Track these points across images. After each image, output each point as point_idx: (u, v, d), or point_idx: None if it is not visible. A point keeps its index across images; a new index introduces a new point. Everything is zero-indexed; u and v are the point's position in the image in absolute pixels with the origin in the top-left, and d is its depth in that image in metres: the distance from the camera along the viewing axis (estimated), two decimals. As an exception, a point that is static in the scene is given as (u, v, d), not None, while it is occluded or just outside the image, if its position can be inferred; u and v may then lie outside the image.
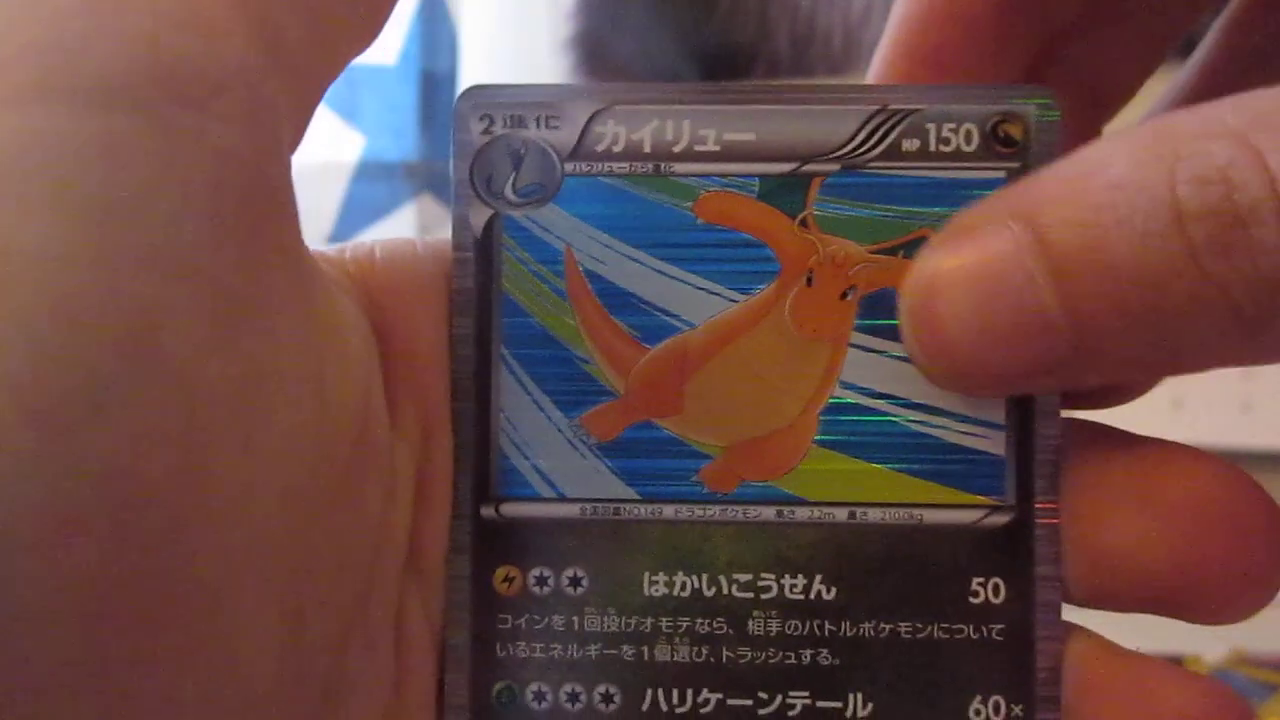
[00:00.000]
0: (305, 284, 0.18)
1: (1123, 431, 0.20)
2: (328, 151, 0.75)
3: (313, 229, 0.24)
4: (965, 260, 0.18)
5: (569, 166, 0.21)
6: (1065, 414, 0.20)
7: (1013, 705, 0.20)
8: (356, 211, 0.77)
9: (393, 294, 0.21)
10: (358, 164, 0.75)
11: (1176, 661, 0.49)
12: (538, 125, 0.21)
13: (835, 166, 0.20)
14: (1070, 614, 0.20)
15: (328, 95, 0.19)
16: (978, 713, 0.20)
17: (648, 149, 0.21)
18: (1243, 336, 0.16)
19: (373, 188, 0.76)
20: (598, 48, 0.79)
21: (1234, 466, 0.19)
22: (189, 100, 0.16)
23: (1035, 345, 0.17)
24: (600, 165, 0.21)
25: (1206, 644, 0.50)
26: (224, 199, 0.16)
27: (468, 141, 0.21)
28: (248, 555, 0.17)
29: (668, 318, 0.21)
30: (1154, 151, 0.16)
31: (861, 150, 0.20)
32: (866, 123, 0.20)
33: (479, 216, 0.21)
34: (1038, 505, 0.20)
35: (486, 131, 0.21)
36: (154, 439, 0.15)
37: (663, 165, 0.21)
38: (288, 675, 0.18)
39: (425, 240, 0.22)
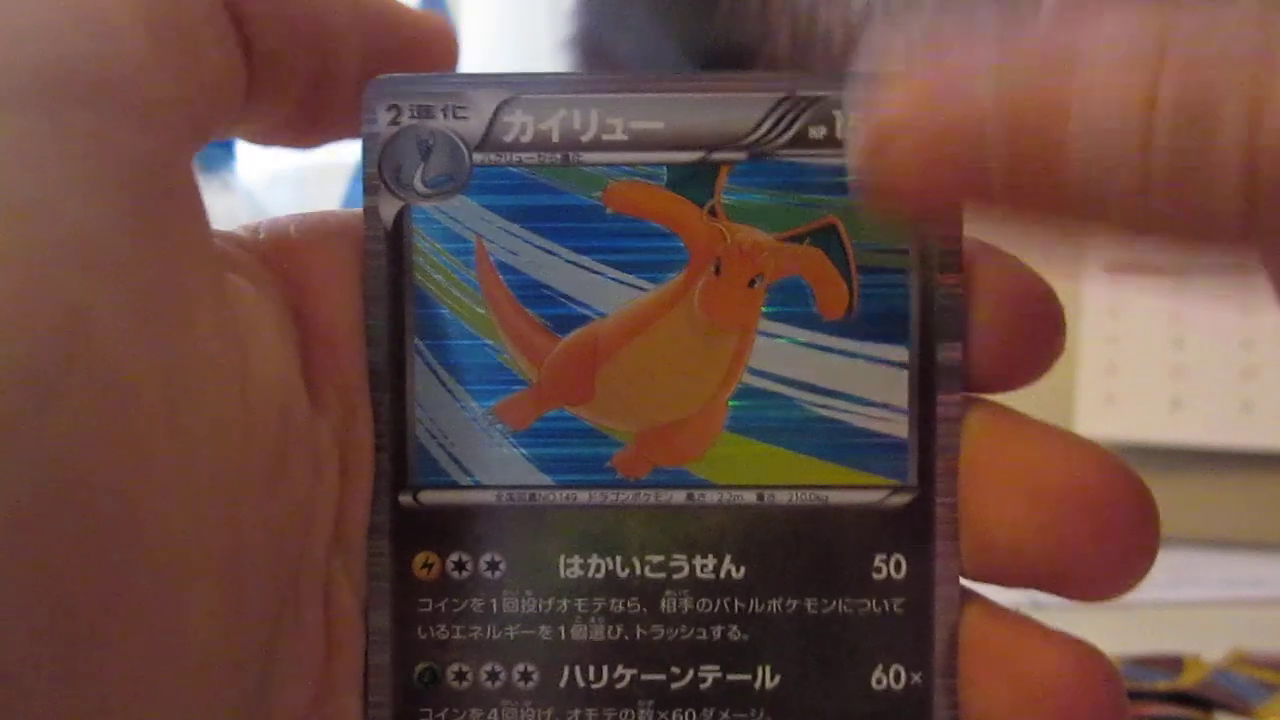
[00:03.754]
0: (217, 277, 0.19)
1: (1017, 415, 0.20)
2: (328, 152, 0.76)
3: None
4: (937, 113, 0.16)
5: (477, 157, 0.21)
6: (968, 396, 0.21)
7: (912, 674, 0.21)
8: (356, 212, 0.77)
9: (309, 272, 0.21)
10: (358, 164, 0.76)
11: (1177, 661, 0.49)
12: (445, 115, 0.21)
13: (743, 155, 0.21)
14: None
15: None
16: (879, 682, 0.21)
17: (556, 139, 0.21)
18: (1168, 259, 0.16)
19: (373, 188, 0.77)
20: (598, 48, 0.80)
21: (1111, 455, 0.20)
22: (85, 100, 0.17)
23: (973, 202, 0.17)
24: (509, 155, 0.21)
25: (1207, 644, 0.50)
26: (131, 197, 0.17)
27: (375, 133, 0.21)
28: (188, 537, 0.17)
29: (578, 307, 0.21)
30: (1146, 42, 0.14)
31: (768, 138, 0.21)
32: (773, 110, 0.21)
33: (389, 208, 0.21)
34: (937, 486, 0.21)
35: (394, 122, 0.21)
36: (95, 431, 0.16)
37: (571, 155, 0.21)
38: (233, 654, 0.18)
39: (340, 212, 0.22)
